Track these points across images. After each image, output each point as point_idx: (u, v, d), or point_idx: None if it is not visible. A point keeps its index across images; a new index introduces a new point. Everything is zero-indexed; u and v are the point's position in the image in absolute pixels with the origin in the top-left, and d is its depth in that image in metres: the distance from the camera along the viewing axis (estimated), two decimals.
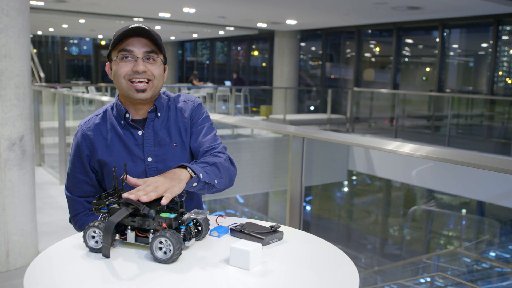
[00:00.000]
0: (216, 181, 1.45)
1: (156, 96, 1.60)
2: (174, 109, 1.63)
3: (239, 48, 16.90)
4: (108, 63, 1.58)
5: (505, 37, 9.52)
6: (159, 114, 1.59)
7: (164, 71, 1.59)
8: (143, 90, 1.51)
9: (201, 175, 1.39)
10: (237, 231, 1.36)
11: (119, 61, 1.51)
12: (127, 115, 1.56)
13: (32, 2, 9.13)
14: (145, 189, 1.23)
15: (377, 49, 12.59)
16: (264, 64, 15.52)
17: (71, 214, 1.64)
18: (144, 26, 1.50)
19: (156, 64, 1.53)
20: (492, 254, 8.00)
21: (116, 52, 1.52)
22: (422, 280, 6.69)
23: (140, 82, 1.51)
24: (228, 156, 1.59)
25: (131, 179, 1.30)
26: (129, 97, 1.54)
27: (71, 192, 1.62)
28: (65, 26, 14.41)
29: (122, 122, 1.57)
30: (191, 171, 1.38)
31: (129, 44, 1.50)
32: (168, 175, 1.33)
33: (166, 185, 1.26)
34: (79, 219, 1.62)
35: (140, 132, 1.57)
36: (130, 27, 1.49)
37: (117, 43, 1.51)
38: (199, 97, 1.81)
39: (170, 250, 1.15)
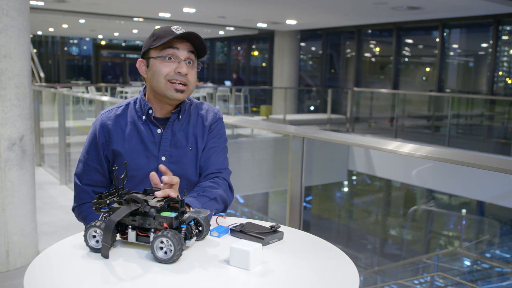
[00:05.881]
0: (213, 212, 1.53)
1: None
2: (195, 114, 1.66)
3: (239, 48, 16.90)
4: (140, 59, 1.60)
5: (505, 37, 9.52)
6: (180, 117, 1.61)
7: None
8: (182, 91, 1.54)
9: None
10: (237, 231, 1.36)
11: (162, 61, 1.53)
12: (150, 111, 1.58)
13: (32, 2, 9.12)
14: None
15: (377, 49, 12.59)
16: (264, 64, 15.52)
17: (76, 203, 1.65)
18: (195, 33, 1.52)
19: (194, 67, 1.57)
20: (492, 254, 8.00)
21: (158, 51, 1.54)
22: (422, 280, 6.69)
23: (179, 83, 1.54)
24: (228, 184, 1.67)
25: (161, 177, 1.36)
26: (165, 96, 1.55)
27: (80, 179, 1.64)
28: (65, 26, 14.41)
29: (144, 117, 1.59)
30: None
31: (175, 45, 1.53)
32: None
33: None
34: (84, 209, 1.62)
35: (159, 130, 1.59)
36: (179, 32, 1.51)
37: (163, 42, 1.52)
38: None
39: (171, 250, 1.15)
